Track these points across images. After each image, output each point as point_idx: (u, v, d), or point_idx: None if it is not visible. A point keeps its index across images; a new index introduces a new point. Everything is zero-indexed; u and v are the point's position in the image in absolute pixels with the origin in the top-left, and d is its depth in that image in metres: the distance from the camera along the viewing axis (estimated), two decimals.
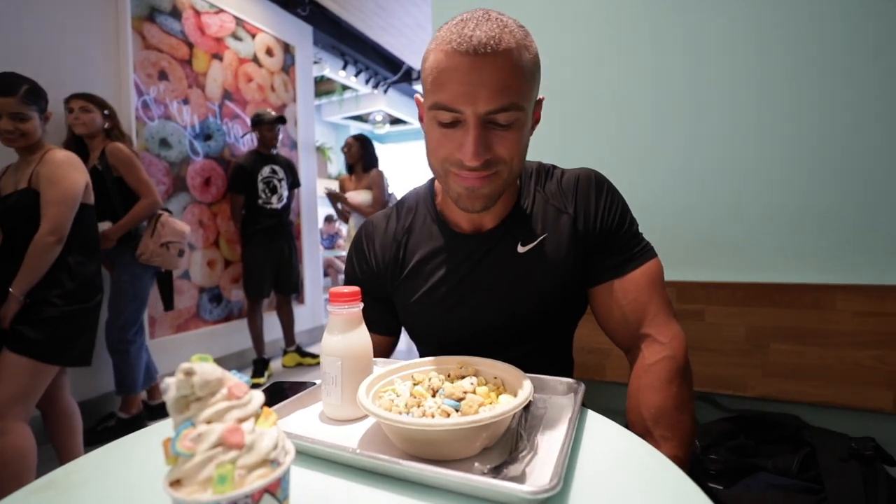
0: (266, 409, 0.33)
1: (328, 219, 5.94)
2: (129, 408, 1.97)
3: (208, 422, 0.30)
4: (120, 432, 1.91)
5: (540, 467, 0.40)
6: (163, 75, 2.39)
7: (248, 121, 2.81)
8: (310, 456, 0.45)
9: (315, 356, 2.83)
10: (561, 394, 0.57)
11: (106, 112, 1.89)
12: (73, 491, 0.41)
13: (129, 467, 0.45)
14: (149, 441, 0.50)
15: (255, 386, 2.65)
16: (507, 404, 0.42)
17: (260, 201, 2.58)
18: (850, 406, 0.91)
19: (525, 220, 0.67)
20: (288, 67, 3.25)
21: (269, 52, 3.08)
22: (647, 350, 0.63)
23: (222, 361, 2.79)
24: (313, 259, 3.49)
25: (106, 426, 1.95)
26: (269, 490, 0.30)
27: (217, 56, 2.70)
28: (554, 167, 0.72)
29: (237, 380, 0.33)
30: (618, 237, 0.66)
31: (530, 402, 0.48)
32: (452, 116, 0.55)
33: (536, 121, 0.63)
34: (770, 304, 0.98)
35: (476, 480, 0.35)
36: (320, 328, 3.59)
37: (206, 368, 0.31)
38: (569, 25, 1.20)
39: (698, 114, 1.07)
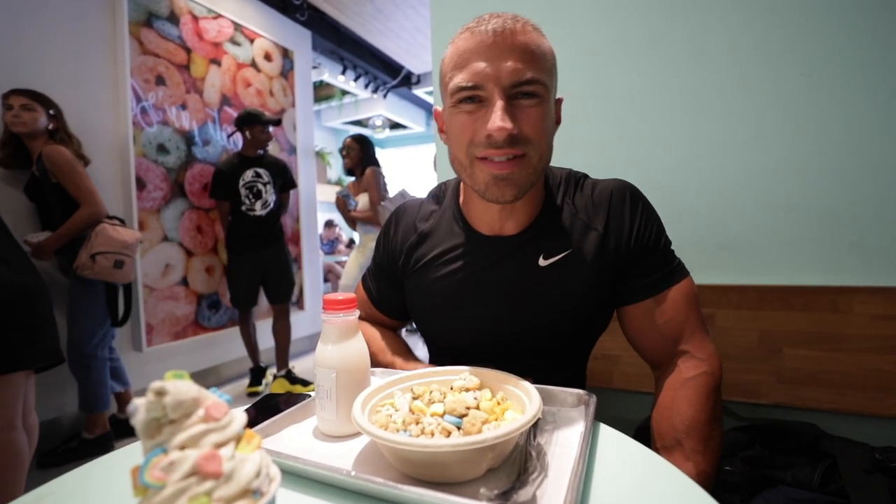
0: (248, 431, 0.30)
1: (328, 224, 5.92)
2: (93, 428, 1.84)
3: (182, 448, 0.27)
4: (82, 454, 1.79)
5: (552, 490, 0.37)
6: (160, 80, 2.37)
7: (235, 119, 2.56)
8: (302, 477, 0.41)
9: (307, 383, 2.55)
10: (570, 406, 0.53)
11: (51, 112, 1.73)
12: None
13: (99, 496, 0.42)
14: (120, 466, 0.47)
15: (252, 395, 2.59)
16: (514, 422, 0.38)
17: (243, 207, 2.40)
18: (871, 414, 0.87)
19: (550, 231, 0.64)
20: (287, 72, 3.23)
21: (267, 57, 3.07)
22: (684, 365, 0.61)
23: (221, 369, 2.75)
24: (313, 264, 3.46)
25: (68, 447, 1.81)
26: None
27: (215, 61, 2.68)
28: (586, 177, 0.70)
29: (216, 399, 0.29)
30: (654, 255, 0.64)
31: (539, 418, 0.45)
32: (475, 94, 0.55)
33: (557, 121, 0.62)
34: (784, 308, 0.94)
35: None
36: (320, 334, 3.55)
37: (180, 387, 0.28)
38: (569, 28, 1.18)
39: (706, 115, 1.04)
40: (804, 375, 0.93)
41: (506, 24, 0.54)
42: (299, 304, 3.29)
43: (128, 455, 0.48)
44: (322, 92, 5.66)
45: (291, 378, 2.58)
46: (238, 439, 0.29)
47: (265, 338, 2.82)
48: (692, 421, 0.56)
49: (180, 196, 2.48)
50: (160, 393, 0.27)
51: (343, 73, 4.55)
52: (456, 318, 0.67)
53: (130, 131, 2.22)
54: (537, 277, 0.63)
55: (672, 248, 0.67)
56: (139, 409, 0.27)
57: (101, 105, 2.14)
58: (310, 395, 0.58)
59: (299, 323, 3.23)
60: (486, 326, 0.65)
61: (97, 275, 1.76)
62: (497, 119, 0.53)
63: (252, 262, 2.46)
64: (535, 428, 0.44)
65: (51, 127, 1.75)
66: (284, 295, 2.61)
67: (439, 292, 0.67)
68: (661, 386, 0.62)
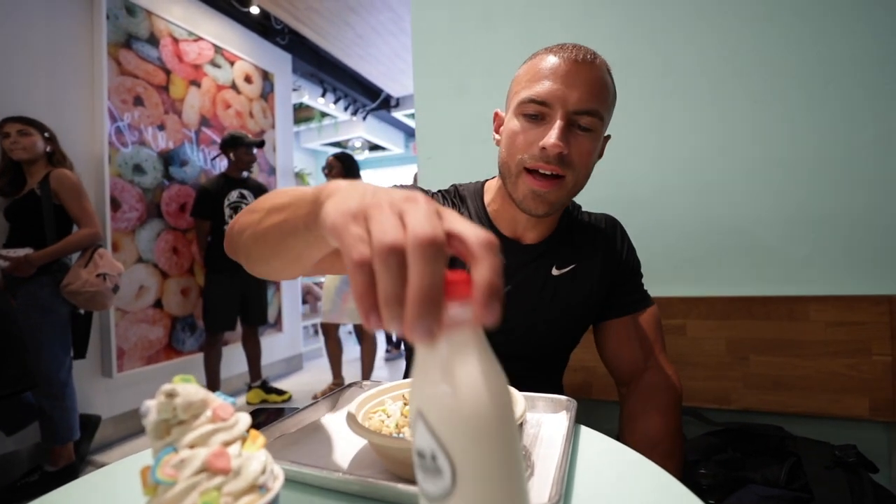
0: (253, 431, 0.32)
1: None
2: (57, 460, 1.73)
3: (191, 446, 0.28)
4: (44, 488, 1.67)
5: (538, 486, 0.39)
6: (138, 101, 2.36)
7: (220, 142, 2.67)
8: (296, 482, 0.42)
9: (282, 393, 2.63)
10: (552, 412, 0.56)
11: (46, 135, 1.76)
12: None
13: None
14: (120, 475, 0.47)
15: None
16: None
17: (226, 227, 2.49)
18: (829, 415, 0.93)
19: (564, 244, 0.71)
20: (267, 94, 3.26)
21: (247, 80, 3.09)
22: (654, 377, 0.68)
23: None
24: (291, 286, 3.42)
25: (27, 481, 1.71)
26: None
27: (195, 83, 2.69)
28: (580, 207, 0.79)
29: (222, 401, 0.31)
30: (635, 279, 0.75)
31: (523, 420, 0.47)
32: (540, 110, 0.60)
33: (600, 155, 0.67)
34: (748, 317, 1.00)
35: None
36: (299, 356, 3.48)
37: (189, 389, 0.30)
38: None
39: (672, 134, 1.12)
40: (769, 381, 0.98)
41: (587, 55, 0.60)
42: (278, 325, 3.23)
43: (127, 466, 0.48)
44: (302, 114, 5.69)
45: (267, 388, 2.65)
46: (244, 439, 0.31)
47: (235, 363, 2.76)
48: (663, 430, 0.62)
49: (156, 217, 2.44)
50: (171, 395, 0.29)
51: (323, 95, 4.61)
52: None
53: (106, 151, 2.19)
54: (550, 286, 0.69)
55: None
56: (150, 410, 0.29)
57: (77, 124, 2.11)
58: (286, 407, 0.59)
59: (277, 344, 3.16)
60: (498, 330, 0.68)
61: (94, 297, 1.73)
62: (553, 136, 0.58)
63: (233, 282, 2.46)
64: (520, 430, 0.47)
65: (48, 150, 1.77)
66: (262, 315, 2.65)
67: None
68: (632, 398, 0.68)
